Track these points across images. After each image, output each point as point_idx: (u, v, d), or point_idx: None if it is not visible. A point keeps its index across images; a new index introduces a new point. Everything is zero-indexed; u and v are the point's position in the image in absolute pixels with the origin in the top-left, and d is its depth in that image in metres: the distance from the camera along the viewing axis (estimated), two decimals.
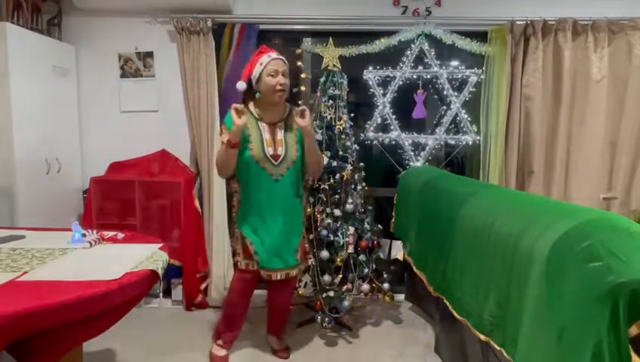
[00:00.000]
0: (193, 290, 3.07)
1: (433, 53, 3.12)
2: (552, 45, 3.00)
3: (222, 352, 2.44)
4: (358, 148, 2.94)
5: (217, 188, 3.06)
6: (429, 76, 3.18)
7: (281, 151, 2.22)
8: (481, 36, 3.08)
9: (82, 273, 1.49)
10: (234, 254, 2.43)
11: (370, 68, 3.18)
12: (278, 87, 2.14)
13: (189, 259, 3.03)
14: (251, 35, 3.05)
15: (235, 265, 2.39)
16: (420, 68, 3.16)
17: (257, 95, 2.23)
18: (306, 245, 2.48)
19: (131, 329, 2.61)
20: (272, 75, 2.14)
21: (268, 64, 2.15)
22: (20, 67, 2.63)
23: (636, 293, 0.96)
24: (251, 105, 2.26)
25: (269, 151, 2.20)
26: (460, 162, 3.51)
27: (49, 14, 3.08)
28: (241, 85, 2.22)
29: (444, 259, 2.09)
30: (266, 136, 2.21)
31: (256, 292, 2.51)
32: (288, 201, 2.28)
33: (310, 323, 2.82)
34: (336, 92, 2.82)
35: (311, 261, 2.60)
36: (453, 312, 1.93)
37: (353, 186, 2.78)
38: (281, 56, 2.20)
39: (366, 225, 2.80)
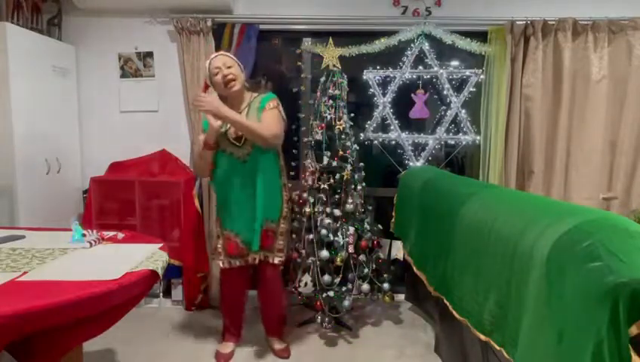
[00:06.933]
0: (193, 290, 3.07)
1: (433, 53, 3.12)
2: (552, 45, 2.99)
3: (227, 349, 2.46)
4: (358, 148, 2.94)
5: None
6: (429, 76, 3.18)
7: None
8: (481, 36, 3.07)
9: (82, 273, 1.49)
10: (215, 254, 2.46)
11: (370, 68, 3.18)
12: (225, 79, 2.22)
13: (189, 259, 3.03)
14: (251, 35, 3.05)
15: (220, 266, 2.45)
16: (420, 68, 3.16)
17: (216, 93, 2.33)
18: (280, 242, 2.39)
19: (131, 329, 2.61)
20: (216, 73, 2.22)
21: (209, 65, 2.26)
22: (20, 67, 2.63)
23: (636, 293, 0.96)
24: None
25: (232, 134, 2.27)
26: (460, 162, 3.51)
27: (49, 14, 3.08)
28: None
29: (444, 259, 2.09)
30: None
31: (254, 293, 2.53)
32: (259, 180, 2.28)
33: (310, 323, 2.82)
34: (336, 92, 2.82)
35: (279, 260, 2.40)
36: (454, 312, 1.93)
37: (353, 186, 2.78)
38: (220, 53, 2.33)
39: (366, 225, 2.80)
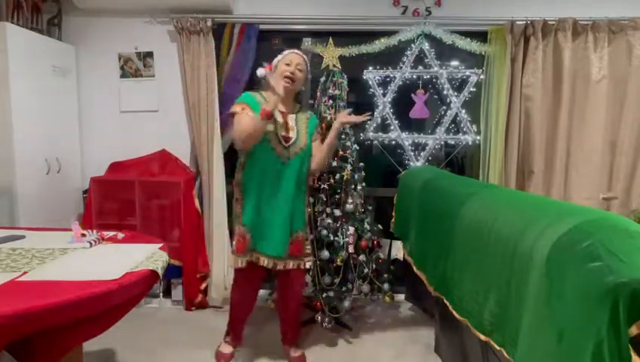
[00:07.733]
0: (193, 290, 3.07)
1: (433, 53, 3.12)
2: (552, 45, 2.99)
3: (228, 349, 2.45)
4: (358, 148, 2.94)
5: (217, 188, 3.06)
6: (429, 76, 3.18)
7: (292, 135, 2.28)
8: (481, 36, 3.08)
9: (82, 273, 1.49)
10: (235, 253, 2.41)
11: (370, 68, 3.18)
12: (286, 73, 2.24)
13: (189, 259, 3.03)
14: (251, 35, 3.05)
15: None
16: (420, 68, 3.16)
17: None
18: (308, 247, 2.39)
19: (131, 329, 2.61)
20: (287, 64, 2.26)
21: (287, 55, 2.30)
22: (20, 67, 2.63)
23: (636, 293, 0.96)
24: (269, 95, 2.29)
25: (282, 132, 2.25)
26: (460, 162, 3.51)
27: (49, 14, 3.08)
28: (260, 71, 2.29)
29: (444, 259, 2.09)
30: (279, 119, 2.27)
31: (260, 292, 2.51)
32: (290, 187, 2.26)
33: (310, 323, 2.82)
34: (336, 92, 2.82)
35: (309, 264, 2.40)
36: (454, 312, 1.93)
37: (353, 186, 2.78)
38: (302, 53, 2.34)
39: (366, 225, 2.80)
